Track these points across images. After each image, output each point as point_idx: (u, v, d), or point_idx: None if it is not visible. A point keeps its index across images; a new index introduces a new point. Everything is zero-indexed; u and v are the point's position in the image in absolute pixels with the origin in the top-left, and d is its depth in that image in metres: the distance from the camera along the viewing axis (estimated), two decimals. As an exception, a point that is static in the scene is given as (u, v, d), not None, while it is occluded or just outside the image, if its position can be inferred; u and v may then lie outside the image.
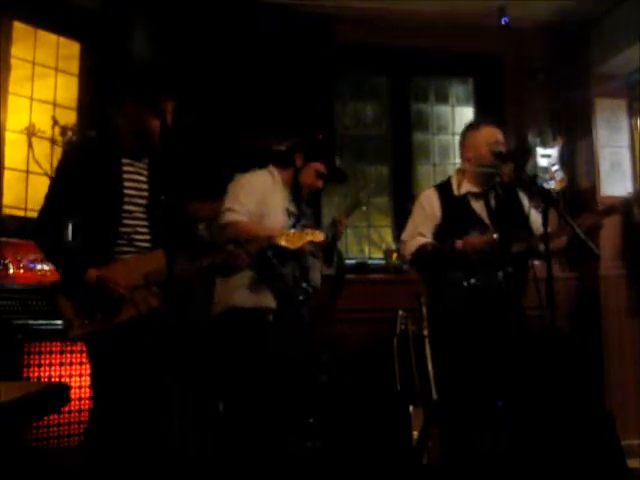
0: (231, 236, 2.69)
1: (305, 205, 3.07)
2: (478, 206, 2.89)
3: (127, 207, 2.40)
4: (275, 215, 2.90)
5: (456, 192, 2.92)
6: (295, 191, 2.98)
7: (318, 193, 3.28)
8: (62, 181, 2.43)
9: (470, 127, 3.01)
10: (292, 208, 2.99)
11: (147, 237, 2.43)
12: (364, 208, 3.36)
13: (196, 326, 2.89)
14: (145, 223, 2.43)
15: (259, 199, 2.86)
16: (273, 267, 2.76)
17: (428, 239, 2.87)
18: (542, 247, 2.69)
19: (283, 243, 2.59)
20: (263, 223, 2.83)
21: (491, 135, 2.90)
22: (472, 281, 2.71)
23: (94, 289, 2.28)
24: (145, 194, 2.45)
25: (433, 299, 3.00)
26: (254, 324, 2.79)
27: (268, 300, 2.85)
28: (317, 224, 3.34)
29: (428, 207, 2.94)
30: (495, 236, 2.71)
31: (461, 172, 2.97)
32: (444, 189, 2.98)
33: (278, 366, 2.78)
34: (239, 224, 2.76)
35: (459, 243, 2.74)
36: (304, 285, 2.90)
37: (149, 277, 2.34)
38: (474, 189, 2.91)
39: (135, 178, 2.45)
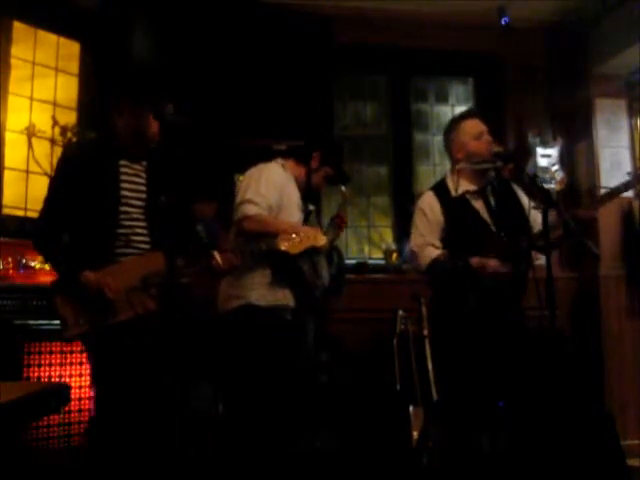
0: (252, 229, 2.67)
1: (310, 203, 3.06)
2: (478, 205, 2.86)
3: (124, 208, 2.39)
4: (291, 209, 2.87)
5: (454, 193, 2.85)
6: (306, 190, 2.98)
7: (318, 193, 3.26)
8: (59, 183, 2.44)
9: (450, 128, 2.93)
10: (301, 205, 2.97)
11: (146, 239, 2.42)
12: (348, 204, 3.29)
13: (206, 323, 2.86)
14: (144, 224, 2.42)
15: (278, 192, 2.82)
16: (293, 263, 2.72)
17: (439, 250, 2.79)
18: (541, 243, 2.70)
19: (283, 248, 2.55)
20: (280, 217, 2.80)
21: (473, 127, 2.84)
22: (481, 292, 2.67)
23: (89, 291, 2.28)
24: (143, 196, 2.44)
25: (436, 300, 2.99)
26: (272, 324, 2.74)
27: (287, 298, 2.81)
28: (319, 224, 3.32)
29: (430, 213, 2.85)
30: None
31: (456, 172, 2.89)
32: (441, 191, 2.91)
33: (289, 367, 2.76)
34: (260, 217, 2.71)
35: (475, 261, 2.65)
36: (318, 282, 2.88)
37: (147, 279, 2.32)
38: (472, 187, 2.85)
39: (133, 180, 2.44)
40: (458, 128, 2.88)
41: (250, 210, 2.72)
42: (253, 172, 2.90)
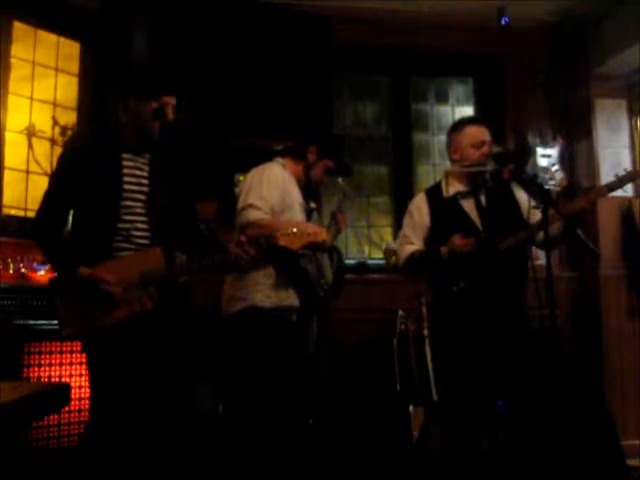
0: (255, 235, 2.64)
1: (311, 200, 3.05)
2: (467, 205, 2.85)
3: (126, 202, 2.35)
4: (294, 209, 2.85)
5: (445, 194, 2.89)
6: (306, 186, 2.97)
7: (318, 192, 3.26)
8: (61, 175, 2.41)
9: (454, 128, 2.95)
10: (303, 203, 2.96)
11: (146, 234, 2.38)
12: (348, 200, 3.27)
13: (209, 323, 2.85)
14: (144, 219, 2.38)
15: (281, 192, 2.80)
16: (297, 262, 2.70)
17: (416, 246, 2.85)
18: (539, 236, 2.70)
19: (282, 243, 2.52)
20: (284, 217, 2.78)
21: (474, 136, 2.84)
22: (461, 285, 2.68)
23: (86, 287, 2.25)
24: (145, 190, 2.40)
25: (434, 299, 3.00)
26: (278, 325, 2.73)
27: (292, 298, 2.79)
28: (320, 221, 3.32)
29: (417, 214, 2.91)
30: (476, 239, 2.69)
31: (449, 173, 2.93)
32: (434, 192, 2.95)
33: (293, 368, 2.76)
34: (262, 222, 2.69)
35: (444, 249, 2.72)
36: (322, 281, 2.88)
37: (145, 277, 2.29)
38: (462, 189, 2.87)
39: (135, 173, 2.40)
40: (462, 130, 2.89)
41: (252, 216, 2.70)
42: (254, 173, 2.88)
